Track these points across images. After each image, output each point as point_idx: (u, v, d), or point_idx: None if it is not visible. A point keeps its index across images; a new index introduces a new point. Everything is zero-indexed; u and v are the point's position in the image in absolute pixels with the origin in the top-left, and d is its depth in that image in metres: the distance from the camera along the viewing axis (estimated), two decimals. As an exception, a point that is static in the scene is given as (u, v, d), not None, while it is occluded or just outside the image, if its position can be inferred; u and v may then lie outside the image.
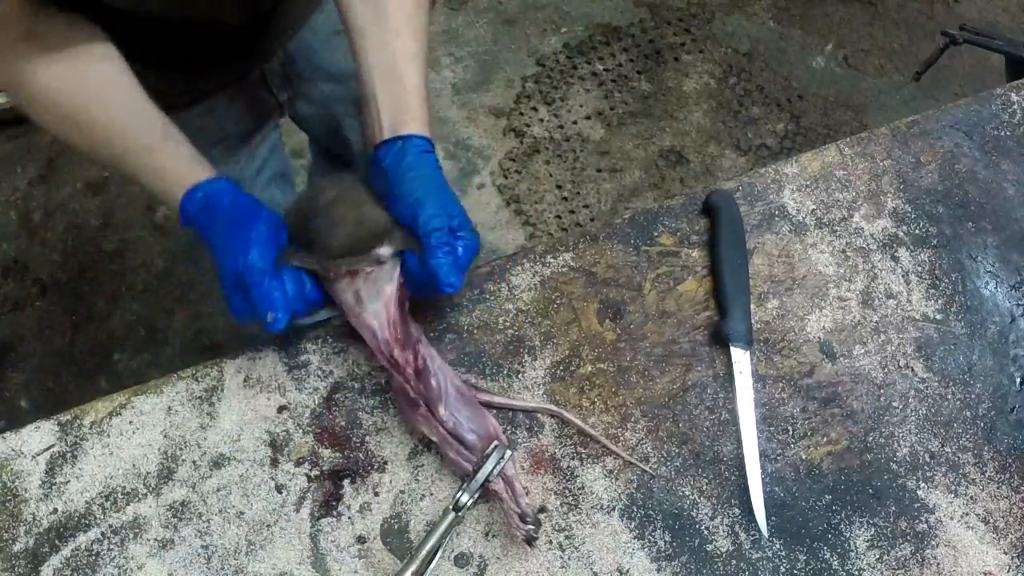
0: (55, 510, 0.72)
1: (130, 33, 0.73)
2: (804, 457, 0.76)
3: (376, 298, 0.73)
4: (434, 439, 0.72)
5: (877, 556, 0.71)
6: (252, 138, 1.05)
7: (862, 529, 0.73)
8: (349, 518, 0.72)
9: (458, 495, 0.68)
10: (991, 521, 0.74)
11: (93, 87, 0.71)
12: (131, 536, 0.71)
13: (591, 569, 0.70)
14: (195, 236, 0.73)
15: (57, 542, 0.71)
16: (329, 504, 0.72)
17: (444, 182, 0.74)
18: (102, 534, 0.71)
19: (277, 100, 1.06)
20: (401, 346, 0.72)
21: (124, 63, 0.72)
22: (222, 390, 0.78)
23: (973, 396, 0.80)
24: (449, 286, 0.70)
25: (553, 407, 0.76)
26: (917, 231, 0.89)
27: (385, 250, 0.72)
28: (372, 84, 0.75)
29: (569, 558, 0.70)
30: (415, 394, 0.72)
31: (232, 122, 1.01)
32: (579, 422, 0.75)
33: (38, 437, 0.75)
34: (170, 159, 0.74)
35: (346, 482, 0.73)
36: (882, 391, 0.80)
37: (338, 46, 1.01)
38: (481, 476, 0.68)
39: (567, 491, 0.73)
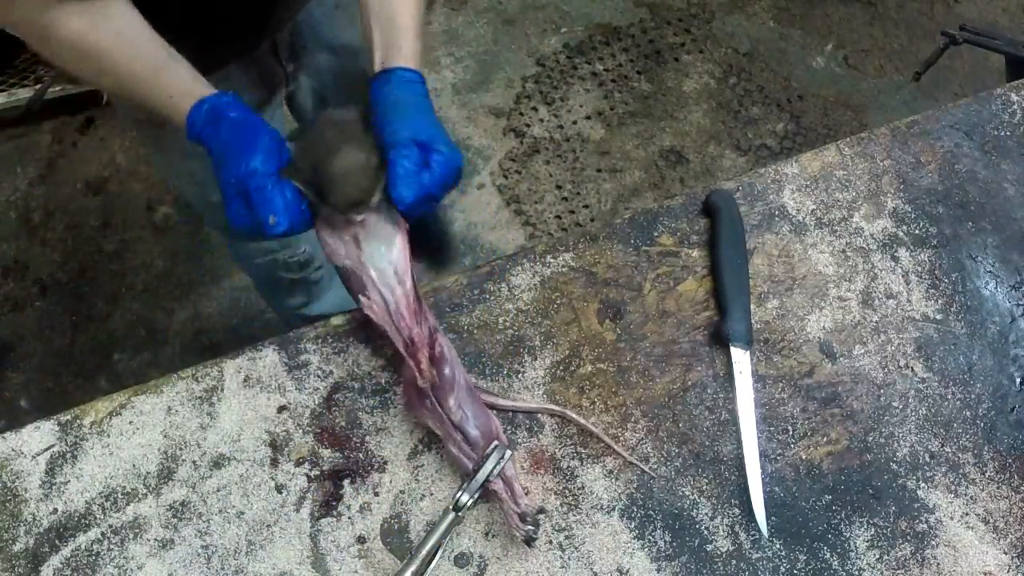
0: (55, 510, 0.72)
1: (150, 1, 0.76)
2: (804, 457, 0.76)
3: (381, 250, 0.72)
4: (438, 432, 0.72)
5: (877, 556, 0.71)
6: (263, 110, 1.08)
7: (862, 529, 0.73)
8: (349, 518, 0.72)
9: (458, 495, 0.68)
10: (991, 521, 0.74)
11: (111, 29, 0.74)
12: (131, 536, 0.71)
13: (591, 569, 0.70)
14: (203, 152, 0.75)
15: (57, 542, 0.71)
16: (329, 504, 0.72)
17: (425, 106, 0.75)
18: (102, 534, 0.71)
19: (285, 71, 1.08)
20: (417, 322, 0.71)
21: (137, 12, 0.76)
22: (222, 390, 0.78)
23: (973, 396, 0.80)
24: (399, 200, 0.69)
25: (555, 407, 0.76)
26: (917, 231, 0.89)
27: (375, 198, 0.71)
28: (370, 27, 0.79)
29: (569, 558, 0.70)
30: (424, 381, 0.71)
31: (246, 91, 1.04)
32: (582, 421, 0.75)
33: (38, 437, 0.75)
34: (177, 77, 0.76)
35: (346, 482, 0.73)
36: (882, 391, 0.80)
37: (339, 20, 1.08)
38: (481, 476, 0.68)
39: (567, 491, 0.73)
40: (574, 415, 0.75)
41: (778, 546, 0.72)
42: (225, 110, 0.73)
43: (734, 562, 0.71)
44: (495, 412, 0.75)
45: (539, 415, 0.77)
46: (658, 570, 0.70)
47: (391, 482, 0.74)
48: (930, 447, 0.77)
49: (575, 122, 2.21)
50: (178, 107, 0.74)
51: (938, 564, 0.71)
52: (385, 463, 0.74)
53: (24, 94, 2.07)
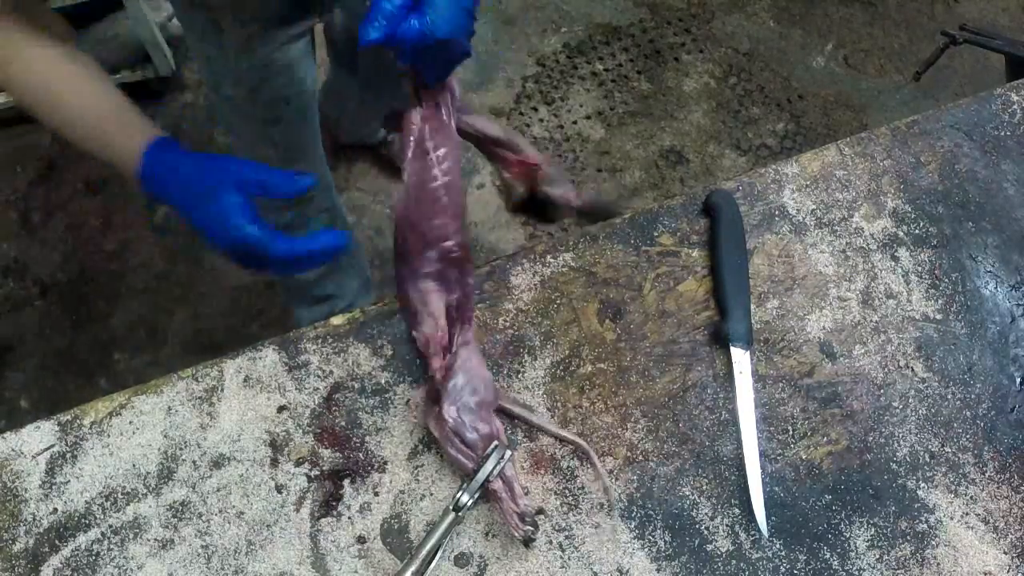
0: (55, 510, 0.72)
1: None
2: (804, 457, 0.76)
3: None
4: (437, 435, 0.72)
5: (877, 556, 0.71)
6: (291, 26, 1.07)
7: (862, 529, 0.73)
8: (349, 518, 0.72)
9: (458, 495, 0.68)
10: (991, 521, 0.74)
11: (65, 73, 0.75)
12: (131, 536, 0.71)
13: (591, 569, 0.70)
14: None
15: (57, 542, 0.71)
16: (329, 504, 0.72)
17: None
18: (102, 534, 0.71)
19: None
20: (444, 350, 0.74)
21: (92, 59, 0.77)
22: (222, 390, 0.78)
23: (973, 396, 0.80)
24: (364, 38, 0.64)
25: (583, 442, 0.74)
26: (917, 231, 0.89)
27: None
28: None
29: (569, 558, 0.70)
30: (439, 382, 0.72)
31: (284, 5, 1.03)
32: (600, 467, 0.74)
33: (38, 437, 0.75)
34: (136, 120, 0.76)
35: (346, 482, 0.73)
36: (882, 391, 0.80)
37: None
38: (481, 476, 0.68)
39: (567, 491, 0.73)
40: (599, 463, 0.74)
41: (778, 546, 0.72)
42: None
43: (734, 562, 0.71)
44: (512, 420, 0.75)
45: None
46: (658, 570, 0.70)
47: (391, 482, 0.74)
48: (930, 447, 0.77)
49: (575, 122, 2.21)
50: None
51: (938, 564, 0.71)
52: (385, 463, 0.74)
53: (24, 94, 2.07)
